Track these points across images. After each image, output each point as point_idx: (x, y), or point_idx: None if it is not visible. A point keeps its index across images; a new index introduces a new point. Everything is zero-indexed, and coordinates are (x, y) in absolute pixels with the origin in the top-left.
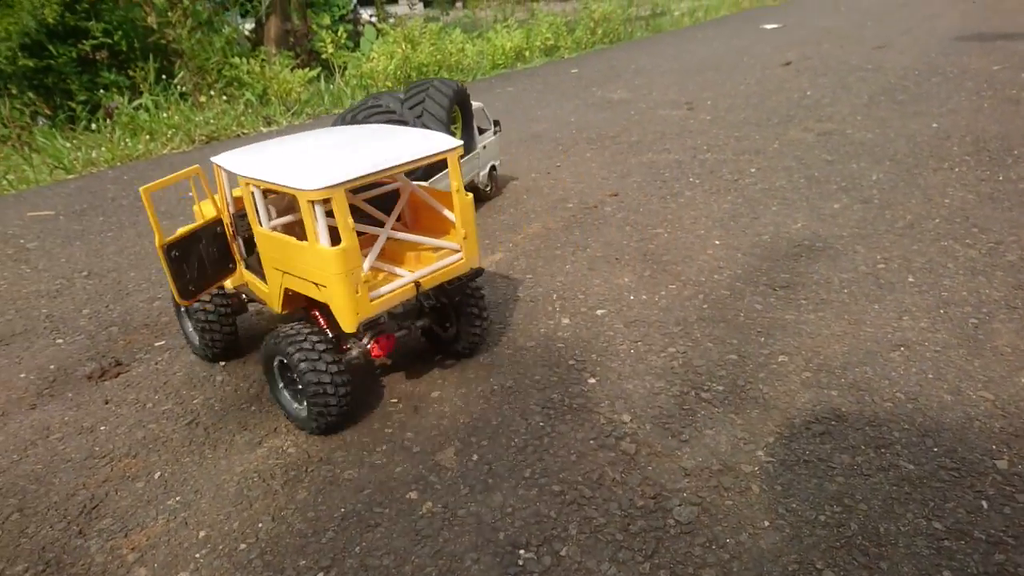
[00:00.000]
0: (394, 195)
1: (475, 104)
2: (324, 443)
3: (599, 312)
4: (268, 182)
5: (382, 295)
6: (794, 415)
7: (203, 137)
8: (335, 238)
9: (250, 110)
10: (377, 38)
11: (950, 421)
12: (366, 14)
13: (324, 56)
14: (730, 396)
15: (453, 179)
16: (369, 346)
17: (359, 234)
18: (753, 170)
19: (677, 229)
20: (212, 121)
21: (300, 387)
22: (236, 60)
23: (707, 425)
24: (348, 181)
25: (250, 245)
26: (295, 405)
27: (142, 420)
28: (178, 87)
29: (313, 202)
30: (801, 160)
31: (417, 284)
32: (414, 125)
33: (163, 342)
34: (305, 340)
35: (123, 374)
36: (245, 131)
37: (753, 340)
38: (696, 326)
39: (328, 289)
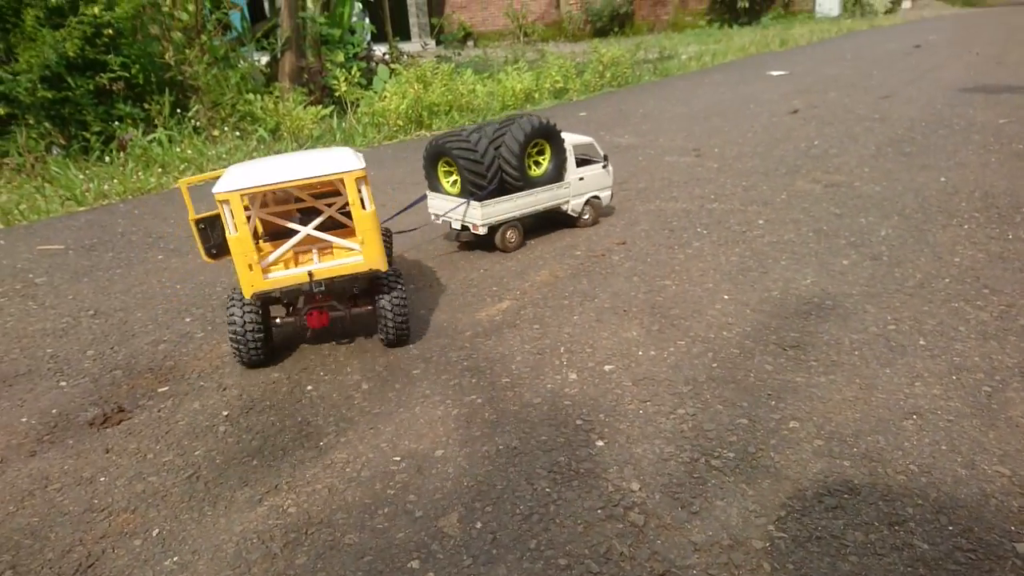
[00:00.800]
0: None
1: (584, 139)
2: (325, 503)
3: (607, 368)
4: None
5: (276, 277)
6: (806, 486)
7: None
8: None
9: (262, 146)
10: (390, 77)
11: (965, 497)
12: (380, 52)
13: (337, 94)
14: (741, 464)
15: (350, 196)
16: (304, 317)
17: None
18: (761, 222)
19: (685, 281)
20: (225, 156)
21: None
22: (250, 96)
23: (718, 495)
24: (239, 190)
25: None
26: None
27: (142, 472)
28: (192, 121)
29: (221, 202)
30: (809, 212)
31: (310, 274)
32: (492, 155)
33: (167, 388)
34: (234, 300)
35: (125, 421)
36: None
37: (763, 403)
38: (706, 386)
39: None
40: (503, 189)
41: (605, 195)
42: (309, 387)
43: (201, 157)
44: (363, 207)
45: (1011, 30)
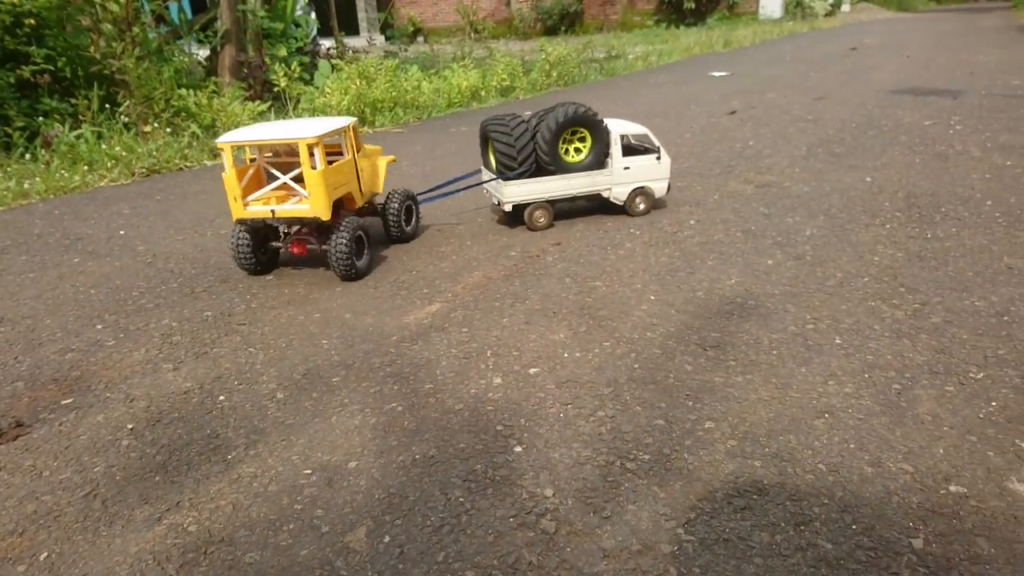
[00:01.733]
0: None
1: (639, 129)
2: (228, 521)
3: (532, 371)
4: None
5: (251, 210)
6: (717, 487)
7: (144, 170)
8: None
9: (195, 142)
10: (332, 72)
11: (870, 495)
12: (326, 46)
13: (276, 89)
14: (655, 466)
15: (301, 157)
16: (289, 246)
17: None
18: (692, 222)
19: (615, 282)
20: (155, 153)
21: None
22: (183, 91)
23: (630, 499)
24: (230, 142)
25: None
26: None
27: (36, 491)
28: (122, 117)
29: (220, 150)
30: (739, 213)
31: (272, 212)
32: (527, 138)
33: (71, 400)
34: (235, 226)
35: (22, 436)
36: (189, 164)
37: (681, 404)
38: (627, 387)
39: None
40: (540, 171)
41: (659, 186)
42: (221, 397)
43: (131, 154)
44: (313, 167)
45: (940, 35)
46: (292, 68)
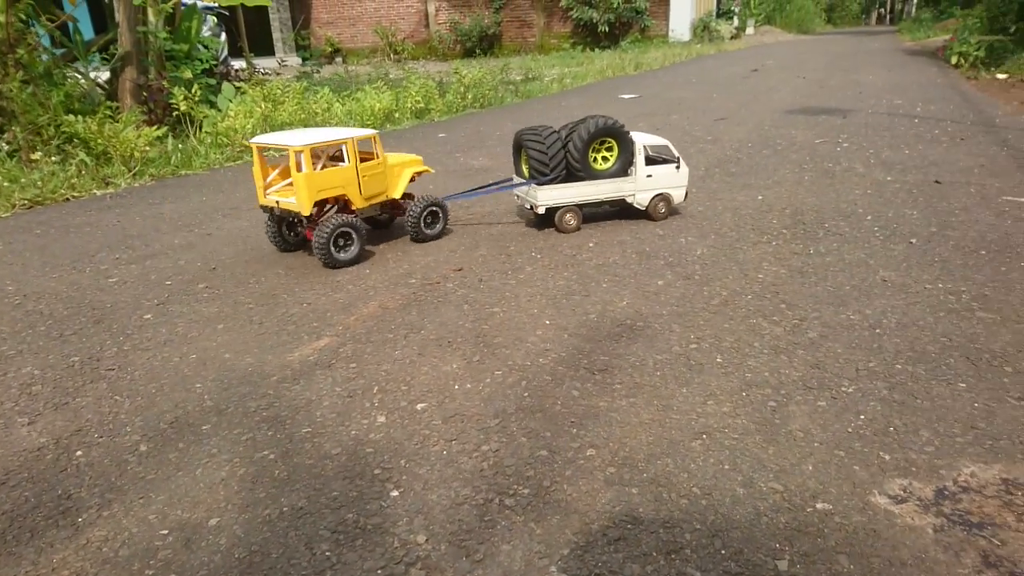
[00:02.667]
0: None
1: (660, 141)
2: None
3: (419, 406)
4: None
5: (267, 199)
6: (593, 519)
7: (25, 201)
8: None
9: (84, 171)
10: (236, 95)
11: (740, 518)
12: (237, 67)
13: (176, 113)
14: (534, 500)
15: (291, 161)
16: (305, 232)
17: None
18: (592, 244)
19: (513, 308)
20: (39, 183)
21: None
22: (70, 117)
23: (505, 539)
24: (256, 143)
25: None
26: None
27: None
28: (5, 144)
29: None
30: (636, 234)
31: (277, 202)
32: (558, 147)
33: None
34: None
35: None
36: (77, 194)
37: (566, 432)
38: (514, 418)
39: None
40: (570, 178)
41: (677, 192)
42: (79, 453)
43: (13, 184)
44: (299, 170)
45: (834, 57)
46: (193, 91)
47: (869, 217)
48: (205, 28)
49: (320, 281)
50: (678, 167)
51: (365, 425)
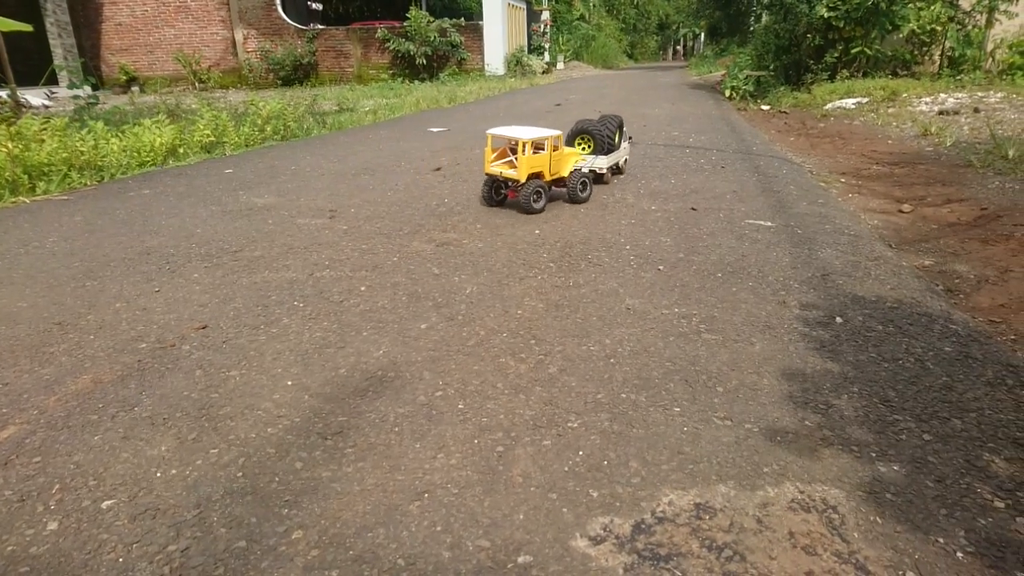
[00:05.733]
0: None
1: (625, 128)
2: None
3: (105, 504)
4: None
5: (492, 169)
6: None
7: None
8: None
9: None
10: None
11: None
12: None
13: None
14: None
15: (519, 149)
16: (507, 192)
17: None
18: (363, 288)
19: (254, 369)
20: None
21: None
22: None
23: None
24: (492, 134)
25: None
26: None
27: None
28: None
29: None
30: (412, 275)
31: (500, 172)
32: (607, 132)
33: None
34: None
35: None
36: None
37: (275, 515)
38: (218, 506)
39: None
40: (609, 150)
41: (621, 163)
42: None
43: None
44: (523, 154)
45: (629, 91)
46: None
47: (628, 247)
48: None
49: (26, 354)
50: (630, 140)
51: (28, 537)
